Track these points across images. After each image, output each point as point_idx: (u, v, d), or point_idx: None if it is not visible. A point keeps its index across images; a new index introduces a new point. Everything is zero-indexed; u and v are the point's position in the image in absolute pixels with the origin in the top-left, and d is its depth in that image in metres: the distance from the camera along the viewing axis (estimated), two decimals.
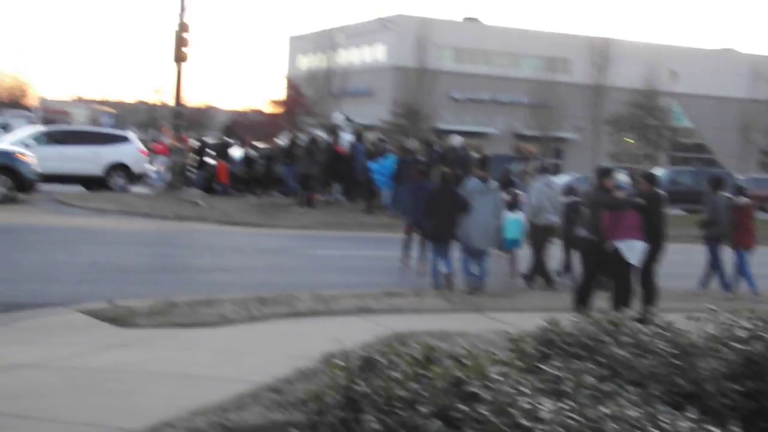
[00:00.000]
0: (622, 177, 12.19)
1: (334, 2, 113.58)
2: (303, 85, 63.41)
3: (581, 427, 3.60)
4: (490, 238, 13.58)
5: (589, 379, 4.28)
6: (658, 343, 5.14)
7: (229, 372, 7.89)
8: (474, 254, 13.42)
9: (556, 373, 4.38)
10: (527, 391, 4.01)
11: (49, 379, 7.43)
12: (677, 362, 5.00)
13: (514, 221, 14.48)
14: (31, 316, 10.06)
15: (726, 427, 4.01)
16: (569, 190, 15.74)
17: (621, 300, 10.92)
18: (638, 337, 5.18)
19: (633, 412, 3.76)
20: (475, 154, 28.10)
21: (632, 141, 64.47)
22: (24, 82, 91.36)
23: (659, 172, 20.90)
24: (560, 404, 3.86)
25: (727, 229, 14.87)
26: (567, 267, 15.25)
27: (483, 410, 3.74)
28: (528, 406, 3.78)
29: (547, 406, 3.80)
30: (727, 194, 15.59)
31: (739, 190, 16.02)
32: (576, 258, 14.12)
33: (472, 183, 13.49)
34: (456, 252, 13.79)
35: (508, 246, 14.78)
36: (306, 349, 8.75)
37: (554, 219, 14.83)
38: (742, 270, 15.10)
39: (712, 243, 15.10)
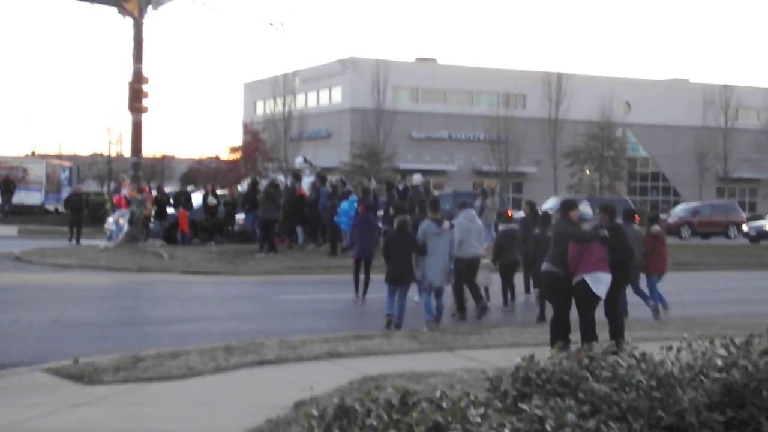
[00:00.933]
0: (586, 209, 12.20)
1: (288, 48, 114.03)
2: (261, 131, 63.37)
3: None
4: (446, 276, 14.25)
5: (571, 417, 4.20)
6: (636, 376, 5.08)
7: (199, 426, 7.72)
8: (433, 292, 14.06)
9: (537, 412, 4.30)
10: None
11: None
12: (657, 395, 4.95)
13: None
14: None
15: None
16: (545, 216, 16.19)
17: (587, 333, 10.90)
18: (616, 371, 5.12)
19: None
20: (436, 192, 28.24)
21: (589, 172, 65.24)
22: None
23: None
24: None
25: (641, 257, 15.08)
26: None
27: None
28: None
29: None
30: (636, 226, 16.38)
31: (653, 219, 16.64)
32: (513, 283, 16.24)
33: (426, 225, 14.03)
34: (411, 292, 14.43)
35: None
36: (277, 398, 8.61)
37: (478, 252, 15.47)
38: (650, 292, 15.91)
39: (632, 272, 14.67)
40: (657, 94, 71.90)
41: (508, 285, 16.50)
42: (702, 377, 5.37)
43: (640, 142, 72.50)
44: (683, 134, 71.26)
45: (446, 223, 14.19)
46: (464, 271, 15.01)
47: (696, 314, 15.77)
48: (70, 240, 29.03)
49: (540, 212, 17.25)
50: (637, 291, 15.65)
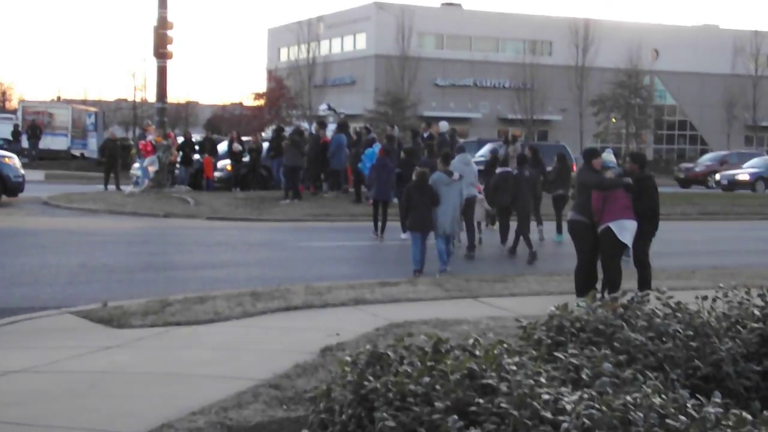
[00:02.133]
0: (609, 156, 12.06)
1: None
2: (285, 77, 63.06)
3: (606, 417, 3.47)
4: (458, 222, 15.59)
5: (608, 366, 4.15)
6: (672, 326, 5.02)
7: (227, 370, 7.76)
8: (445, 238, 14.94)
9: (573, 361, 4.26)
10: (545, 381, 3.88)
11: (45, 384, 7.29)
12: (694, 344, 4.89)
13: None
14: (23, 320, 9.91)
15: (748, 410, 3.90)
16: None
17: (613, 281, 10.84)
18: (652, 321, 5.06)
19: (657, 400, 3.64)
20: (461, 140, 28.07)
21: (615, 120, 64.59)
22: (3, 84, 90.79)
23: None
24: (582, 394, 3.73)
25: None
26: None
27: (502, 403, 3.62)
28: (549, 397, 3.66)
29: (568, 397, 3.67)
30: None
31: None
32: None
33: (437, 176, 14.87)
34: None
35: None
36: (303, 344, 8.65)
37: (473, 192, 16.99)
38: None
39: None
40: (686, 40, 70.76)
41: (504, 225, 17.58)
42: (739, 327, 5.30)
43: (667, 90, 71.57)
44: (712, 82, 70.24)
45: (456, 174, 15.06)
46: (461, 210, 16.01)
47: (723, 263, 15.63)
48: (106, 187, 28.01)
49: (528, 154, 19.26)
50: None
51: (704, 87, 70.86)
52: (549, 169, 19.75)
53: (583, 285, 10.73)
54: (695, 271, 14.34)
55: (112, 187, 27.80)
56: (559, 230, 18.67)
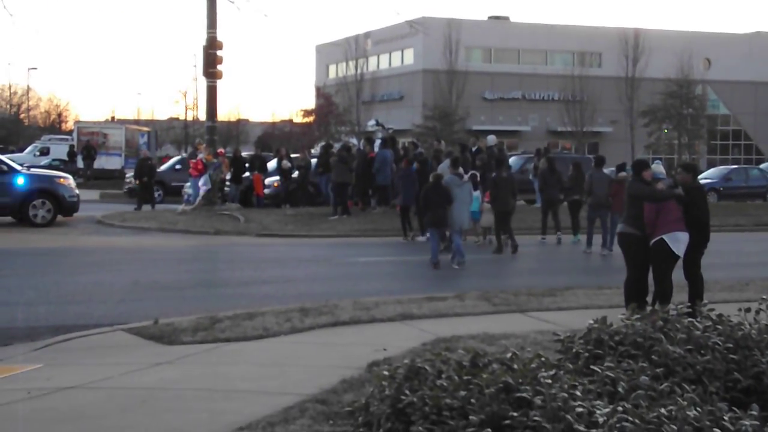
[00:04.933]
0: (659, 168, 11.93)
1: (359, 9, 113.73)
2: (333, 94, 63.48)
3: (639, 430, 3.47)
4: (468, 219, 17.68)
5: (644, 380, 4.14)
6: (712, 338, 4.98)
7: (274, 385, 7.85)
8: (457, 233, 16.81)
9: (609, 374, 4.25)
10: (580, 394, 3.89)
11: (98, 400, 7.45)
12: (734, 357, 4.84)
13: (475, 198, 18.95)
14: (77, 338, 10.12)
15: None
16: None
17: (664, 295, 10.70)
18: (691, 333, 5.02)
19: (692, 412, 3.63)
20: (511, 154, 28.16)
21: (667, 131, 63.77)
22: (59, 104, 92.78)
23: None
24: (616, 407, 3.73)
25: (605, 198, 18.89)
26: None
27: (536, 416, 3.63)
28: (582, 410, 3.66)
29: (602, 410, 3.68)
30: (606, 171, 20.36)
31: (620, 167, 19.78)
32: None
33: (449, 178, 16.96)
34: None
35: (473, 217, 19.30)
36: (350, 359, 8.70)
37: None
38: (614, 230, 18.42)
39: (592, 209, 19.38)
40: (738, 48, 69.71)
41: (502, 229, 19.21)
42: None
43: (720, 100, 70.53)
44: (766, 90, 69.04)
45: (465, 177, 17.40)
46: None
47: None
48: (139, 207, 28.10)
49: (540, 161, 22.40)
50: (602, 227, 19.04)
51: (758, 95, 69.70)
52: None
53: (633, 298, 10.60)
54: (749, 283, 14.10)
55: (147, 206, 28.17)
56: (574, 232, 20.84)
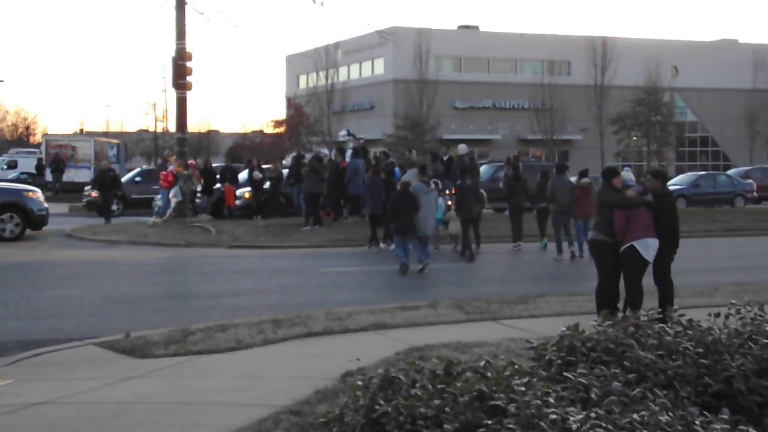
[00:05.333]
0: (629, 175, 12.04)
1: (328, 20, 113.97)
2: (304, 104, 63.46)
3: None
4: (433, 225, 18.16)
5: (616, 386, 4.17)
6: (683, 344, 5.02)
7: (248, 397, 7.82)
8: (422, 240, 17.29)
9: (582, 380, 4.28)
10: (553, 401, 3.91)
11: (69, 415, 7.38)
12: (704, 361, 4.89)
13: (440, 206, 19.56)
14: (48, 352, 10.02)
15: (761, 426, 3.90)
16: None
17: (635, 301, 10.80)
18: (662, 339, 5.06)
19: (664, 417, 3.66)
20: (482, 161, 28.34)
21: (636, 138, 64.36)
22: (27, 117, 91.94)
23: None
24: (589, 413, 3.75)
25: (568, 204, 19.29)
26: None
27: (510, 424, 3.65)
28: (556, 417, 3.68)
29: (575, 416, 3.70)
30: (569, 178, 20.76)
31: (582, 174, 20.22)
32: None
33: (416, 185, 17.46)
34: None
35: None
36: (324, 369, 8.69)
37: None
38: (579, 235, 19.18)
39: (555, 215, 19.75)
40: (705, 56, 70.60)
41: (468, 234, 19.58)
42: (751, 344, 5.29)
43: (688, 107, 71.36)
44: (733, 97, 69.97)
45: (432, 185, 18.06)
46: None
47: (748, 280, 15.53)
48: (108, 220, 27.97)
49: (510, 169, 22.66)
50: (567, 233, 19.46)
51: (725, 102, 70.59)
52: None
53: (605, 305, 10.68)
54: (718, 288, 14.25)
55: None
56: (542, 237, 21.37)
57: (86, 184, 45.75)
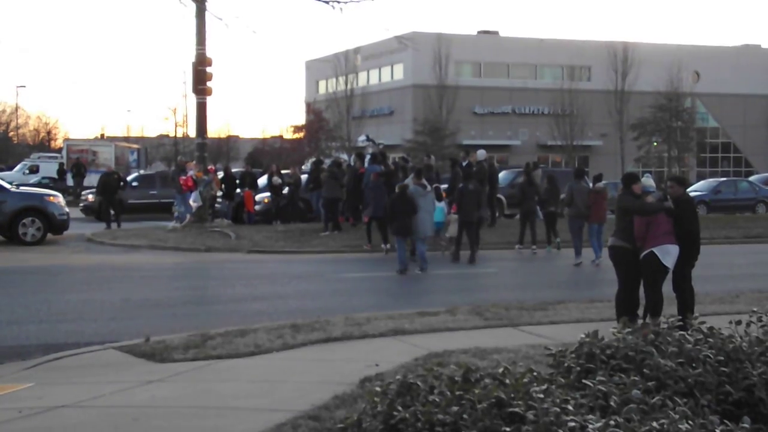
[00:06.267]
0: (649, 181, 11.96)
1: (349, 25, 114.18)
2: (323, 109, 63.56)
3: None
4: (431, 227, 18.87)
5: (636, 393, 4.14)
6: (703, 351, 4.99)
7: (267, 402, 7.84)
8: (420, 240, 17.99)
9: (601, 388, 4.26)
10: (572, 408, 3.89)
11: (89, 419, 7.42)
12: (725, 369, 4.85)
13: (439, 209, 20.18)
14: (68, 356, 10.09)
15: None
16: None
17: (655, 307, 10.74)
18: (682, 346, 5.03)
19: (684, 426, 3.63)
20: (500, 167, 28.26)
21: (656, 144, 63.98)
22: (48, 122, 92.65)
23: None
24: (608, 421, 3.73)
25: (585, 208, 19.57)
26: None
27: (528, 431, 3.63)
28: (575, 425, 3.67)
29: (594, 424, 3.68)
30: (586, 182, 20.73)
31: (597, 178, 20.48)
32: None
33: (413, 188, 18.15)
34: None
35: (436, 227, 20.24)
36: (343, 375, 8.69)
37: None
38: (592, 239, 19.53)
39: (572, 220, 19.91)
40: (727, 61, 70.10)
41: (469, 239, 19.82)
42: None
43: (709, 112, 70.88)
44: (755, 103, 69.47)
45: (428, 188, 18.69)
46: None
47: None
48: (108, 226, 27.44)
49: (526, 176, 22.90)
50: (592, 241, 19.52)
51: (747, 108, 70.09)
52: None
53: (625, 311, 10.62)
54: (739, 295, 14.14)
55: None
56: (549, 242, 21.94)
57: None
